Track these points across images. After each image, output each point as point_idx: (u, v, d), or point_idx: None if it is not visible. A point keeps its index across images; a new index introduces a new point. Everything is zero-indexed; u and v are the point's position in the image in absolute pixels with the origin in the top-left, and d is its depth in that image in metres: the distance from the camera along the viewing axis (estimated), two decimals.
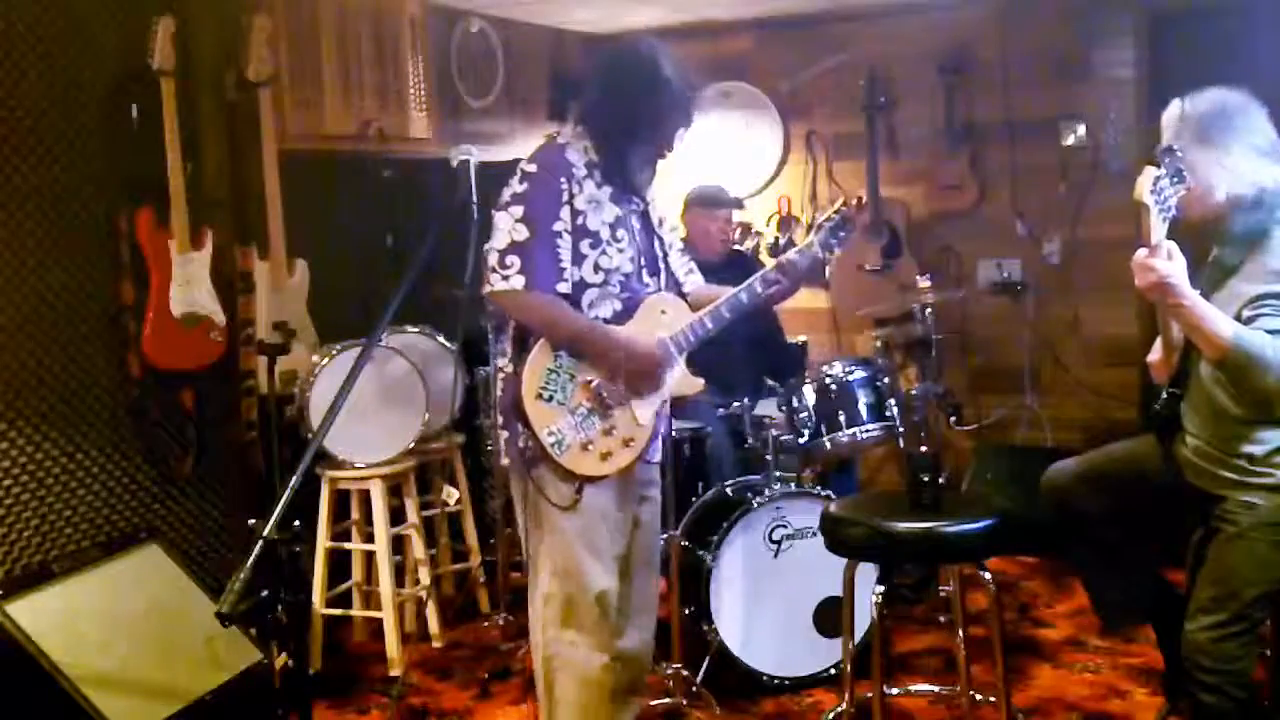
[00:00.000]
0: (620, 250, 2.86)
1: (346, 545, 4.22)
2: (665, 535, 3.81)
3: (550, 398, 2.81)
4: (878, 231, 5.63)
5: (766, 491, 3.80)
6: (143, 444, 3.86)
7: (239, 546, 4.06)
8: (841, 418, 4.09)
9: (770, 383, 4.36)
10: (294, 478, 1.87)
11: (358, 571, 4.30)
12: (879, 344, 4.42)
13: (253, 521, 1.82)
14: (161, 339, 3.76)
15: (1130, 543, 3.12)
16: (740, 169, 6.00)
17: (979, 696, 3.49)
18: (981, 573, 3.06)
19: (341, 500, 4.15)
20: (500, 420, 2.92)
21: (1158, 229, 2.55)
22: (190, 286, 3.81)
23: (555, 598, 2.89)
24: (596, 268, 2.84)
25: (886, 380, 4.19)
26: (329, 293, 4.33)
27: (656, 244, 3.04)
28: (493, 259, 2.80)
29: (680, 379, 3.01)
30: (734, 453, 4.24)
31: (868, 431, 4.11)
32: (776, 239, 5.97)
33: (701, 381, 3.06)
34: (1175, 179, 2.56)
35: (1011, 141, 5.52)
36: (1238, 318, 2.63)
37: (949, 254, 5.70)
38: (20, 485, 3.53)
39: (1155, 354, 3.02)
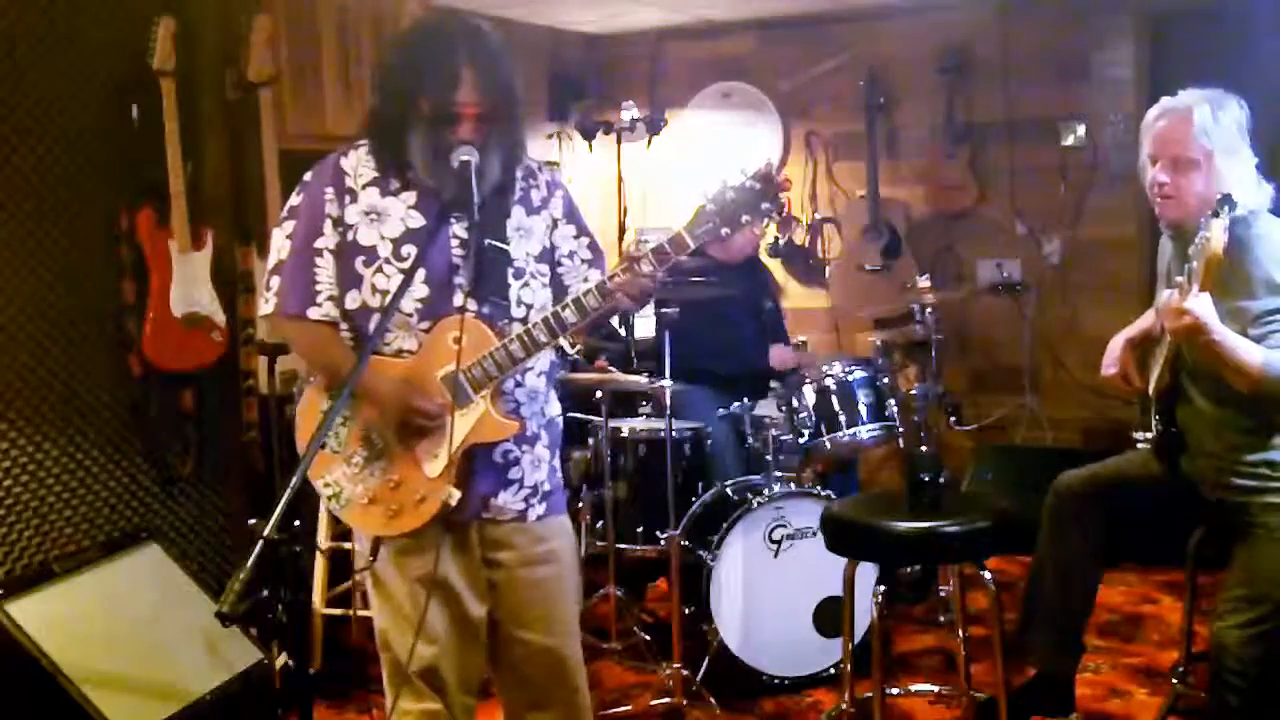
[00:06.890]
0: (403, 269, 2.31)
1: (346, 545, 4.21)
2: (665, 535, 3.82)
3: (324, 443, 2.35)
4: (878, 231, 5.63)
5: (766, 491, 3.80)
6: (143, 444, 3.85)
7: (239, 546, 4.05)
8: (841, 418, 4.10)
9: (772, 383, 4.35)
10: (294, 478, 1.86)
11: None
12: (879, 344, 4.42)
13: (253, 521, 1.81)
14: (162, 339, 3.75)
15: (1085, 580, 3.14)
16: (740, 169, 6.00)
17: (979, 696, 3.49)
18: (981, 573, 3.07)
19: None
20: None
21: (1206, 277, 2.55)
22: (190, 286, 3.80)
23: (383, 663, 2.50)
24: (374, 289, 2.34)
25: (886, 380, 4.20)
26: None
27: (501, 257, 2.39)
28: (264, 279, 2.45)
29: (482, 422, 2.32)
30: (734, 453, 4.24)
31: (868, 431, 4.12)
32: (776, 239, 5.98)
33: (515, 426, 2.36)
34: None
35: (1011, 141, 5.52)
36: (1243, 335, 2.63)
37: (949, 254, 5.70)
38: (20, 485, 3.52)
39: (1111, 367, 3.03)
